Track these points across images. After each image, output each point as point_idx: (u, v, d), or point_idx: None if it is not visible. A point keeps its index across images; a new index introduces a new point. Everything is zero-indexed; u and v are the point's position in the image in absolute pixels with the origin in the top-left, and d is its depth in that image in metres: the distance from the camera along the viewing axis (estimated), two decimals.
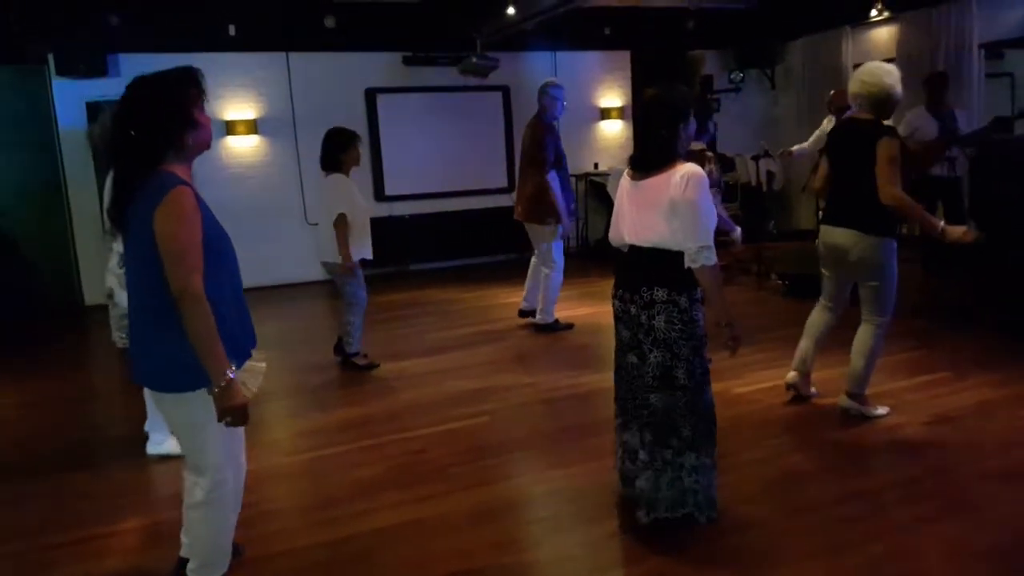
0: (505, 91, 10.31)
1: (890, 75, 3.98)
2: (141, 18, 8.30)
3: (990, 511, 3.23)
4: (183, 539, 2.87)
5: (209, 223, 2.48)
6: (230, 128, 8.87)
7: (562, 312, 6.91)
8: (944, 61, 8.25)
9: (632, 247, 3.16)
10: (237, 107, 8.91)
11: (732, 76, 11.10)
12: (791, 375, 4.53)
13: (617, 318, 3.26)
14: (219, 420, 2.44)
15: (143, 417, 4.32)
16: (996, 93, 8.94)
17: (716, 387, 4.75)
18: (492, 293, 8.26)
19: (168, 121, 2.43)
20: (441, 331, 6.63)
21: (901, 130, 7.77)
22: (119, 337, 4.21)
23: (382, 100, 9.65)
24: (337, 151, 5.48)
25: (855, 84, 4.07)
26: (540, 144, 6.15)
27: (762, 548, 3.03)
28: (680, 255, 3.00)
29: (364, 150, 9.97)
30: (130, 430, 4.71)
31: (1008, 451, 3.79)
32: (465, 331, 6.58)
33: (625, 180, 3.22)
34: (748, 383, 4.85)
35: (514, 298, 8.01)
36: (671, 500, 3.14)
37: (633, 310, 3.13)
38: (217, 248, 2.50)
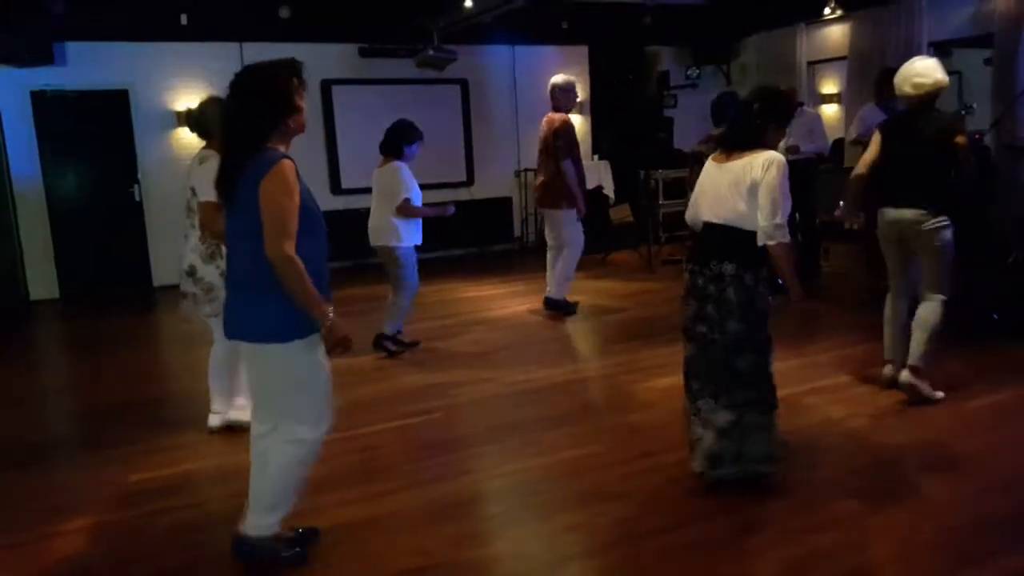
0: (463, 84, 10.26)
1: (938, 69, 4.26)
2: (89, 5, 8.06)
3: (935, 500, 3.29)
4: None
5: (306, 194, 2.78)
6: (182, 119, 8.66)
7: (523, 306, 6.92)
8: (895, 59, 8.37)
9: (707, 224, 3.38)
10: (189, 98, 8.67)
11: (688, 72, 11.18)
12: (886, 369, 4.55)
13: (687, 291, 3.43)
14: (328, 353, 2.85)
15: (89, 415, 4.22)
16: (944, 91, 9.13)
17: (667, 380, 4.83)
18: (451, 287, 8.23)
19: (276, 107, 2.72)
20: None
21: (855, 125, 7.93)
22: (209, 310, 4.16)
23: (337, 92, 9.54)
24: (402, 141, 5.65)
25: (909, 87, 4.27)
26: (556, 134, 6.46)
27: (709, 543, 3.05)
28: (751, 235, 3.23)
29: (319, 142, 9.87)
30: (74, 429, 4.61)
31: (951, 442, 3.86)
32: (422, 326, 6.52)
33: (710, 165, 3.45)
34: None
35: (472, 292, 8.01)
36: (752, 456, 3.37)
37: (701, 282, 3.33)
38: (313, 215, 2.80)
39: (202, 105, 4.28)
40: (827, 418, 4.23)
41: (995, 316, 5.39)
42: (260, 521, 2.94)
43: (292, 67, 2.76)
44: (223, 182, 2.78)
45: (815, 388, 4.63)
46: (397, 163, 5.63)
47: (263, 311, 2.75)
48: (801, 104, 7.98)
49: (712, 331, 3.32)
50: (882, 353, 4.61)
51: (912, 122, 4.35)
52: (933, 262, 4.33)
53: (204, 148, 4.21)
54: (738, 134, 3.39)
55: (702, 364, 3.42)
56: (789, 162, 8.40)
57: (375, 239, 5.71)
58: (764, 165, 3.22)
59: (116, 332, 7.14)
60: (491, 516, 3.43)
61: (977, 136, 6.84)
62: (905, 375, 4.37)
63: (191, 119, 4.42)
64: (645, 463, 3.74)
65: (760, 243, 3.21)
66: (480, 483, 3.69)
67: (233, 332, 2.87)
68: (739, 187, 3.25)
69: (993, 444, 3.81)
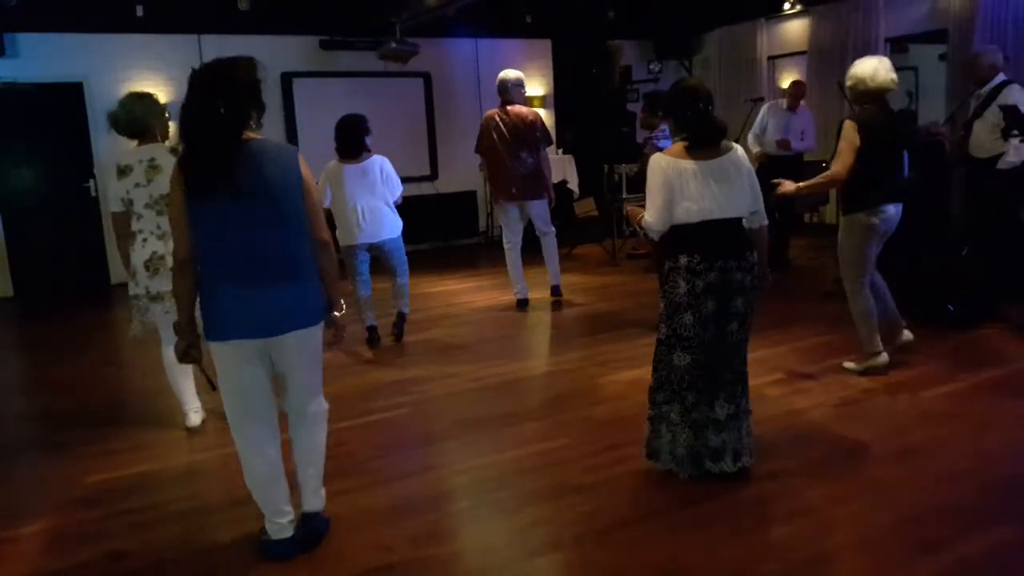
0: (426, 78, 10.21)
1: None
2: None
3: (894, 489, 3.34)
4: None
5: None
6: None
7: (489, 302, 6.90)
8: (853, 54, 8.52)
9: (715, 221, 3.29)
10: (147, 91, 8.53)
11: (651, 66, 11.25)
12: (883, 357, 4.66)
13: (709, 291, 3.29)
14: (338, 335, 3.06)
15: (45, 416, 4.12)
16: (901, 86, 9.30)
17: (633, 373, 4.84)
18: (416, 282, 8.08)
19: (256, 101, 2.76)
20: (360, 322, 6.52)
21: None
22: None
23: (298, 84, 9.44)
24: (364, 134, 5.59)
25: (887, 82, 4.38)
26: (536, 125, 6.51)
27: (675, 534, 3.07)
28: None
29: (280, 136, 9.75)
30: (30, 430, 4.51)
31: (910, 431, 3.93)
32: (389, 320, 6.49)
33: (687, 164, 3.28)
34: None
35: (438, 287, 7.98)
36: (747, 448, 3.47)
37: (739, 276, 3.32)
38: None
39: (128, 105, 4.15)
40: (790, 409, 4.28)
41: (950, 308, 5.50)
42: (322, 491, 3.15)
43: (257, 65, 2.77)
44: (224, 173, 2.65)
45: (777, 380, 4.69)
46: (379, 156, 5.66)
47: (312, 292, 2.88)
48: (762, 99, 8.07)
49: (729, 326, 3.35)
50: (843, 344, 4.67)
51: (892, 117, 4.48)
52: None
53: (140, 145, 4.13)
54: (719, 133, 3.39)
55: (703, 370, 3.36)
56: (776, 156, 8.49)
57: (385, 233, 5.71)
58: (746, 157, 3.39)
59: (73, 331, 6.99)
60: (458, 511, 3.41)
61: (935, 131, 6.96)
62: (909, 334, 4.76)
63: (117, 121, 4.15)
64: (611, 455, 3.76)
65: (756, 226, 3.42)
66: (447, 478, 3.68)
67: (284, 324, 2.80)
68: (740, 180, 3.34)
69: (950, 432, 3.89)
